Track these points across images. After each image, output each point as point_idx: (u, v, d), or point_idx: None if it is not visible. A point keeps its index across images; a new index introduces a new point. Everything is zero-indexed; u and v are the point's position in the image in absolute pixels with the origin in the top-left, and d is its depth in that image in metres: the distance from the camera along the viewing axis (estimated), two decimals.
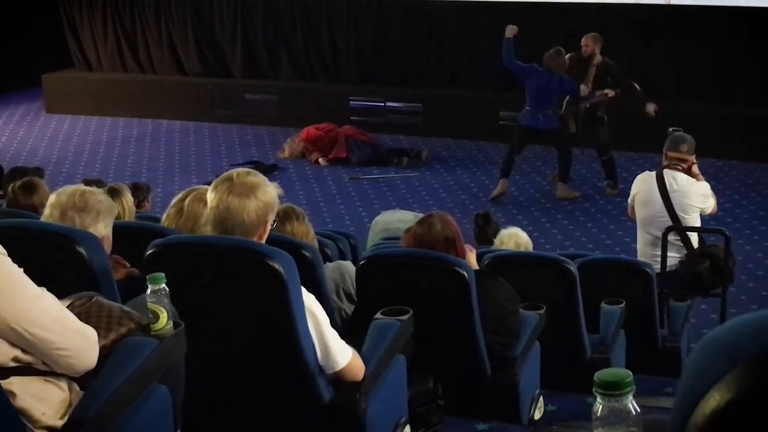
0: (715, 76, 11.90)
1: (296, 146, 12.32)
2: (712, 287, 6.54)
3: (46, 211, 3.59)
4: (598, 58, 10.10)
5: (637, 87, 10.18)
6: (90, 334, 2.60)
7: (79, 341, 2.56)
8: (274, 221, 3.30)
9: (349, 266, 4.41)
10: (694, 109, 11.37)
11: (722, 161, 11.15)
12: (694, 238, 6.60)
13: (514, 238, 6.28)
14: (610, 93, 10.14)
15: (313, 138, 12.22)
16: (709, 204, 6.55)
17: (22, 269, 2.50)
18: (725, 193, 10.09)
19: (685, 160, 6.52)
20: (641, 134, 11.31)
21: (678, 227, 6.43)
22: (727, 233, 6.53)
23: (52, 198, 3.62)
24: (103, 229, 3.57)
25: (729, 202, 9.91)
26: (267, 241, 3.20)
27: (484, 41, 13.02)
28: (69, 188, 3.67)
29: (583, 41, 10.24)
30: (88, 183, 4.20)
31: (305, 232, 4.38)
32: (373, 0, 13.55)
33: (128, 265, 3.76)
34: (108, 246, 3.63)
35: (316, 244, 4.48)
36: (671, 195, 6.42)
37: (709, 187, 6.64)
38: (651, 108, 10.13)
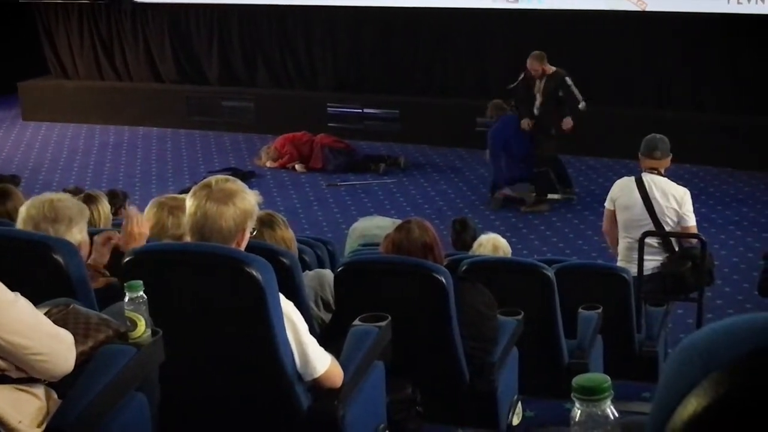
0: (690, 83, 11.98)
1: (272, 154, 12.32)
2: (694, 288, 6.57)
3: (19, 224, 3.57)
4: (548, 70, 10.14)
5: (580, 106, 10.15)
6: (65, 337, 2.59)
7: (54, 345, 2.54)
8: (254, 229, 3.29)
9: (328, 274, 4.40)
10: (669, 116, 11.44)
11: (697, 167, 11.23)
12: (674, 241, 6.62)
13: (492, 240, 6.30)
14: (568, 125, 10.18)
15: (287, 151, 12.22)
16: (688, 210, 6.50)
17: None
18: (700, 198, 10.15)
19: (658, 167, 6.53)
20: (617, 141, 11.38)
21: (656, 232, 6.45)
22: (704, 238, 6.57)
23: (22, 212, 3.59)
24: (78, 234, 3.56)
25: (704, 207, 9.97)
26: (246, 247, 3.20)
27: (460, 48, 13.07)
28: (37, 200, 3.63)
29: (529, 65, 10.18)
30: (68, 191, 4.18)
31: (291, 237, 4.39)
32: (349, 7, 13.56)
33: (108, 273, 3.74)
34: (85, 250, 3.61)
35: (296, 249, 4.48)
36: (652, 199, 6.44)
37: (688, 192, 6.61)
38: (568, 124, 10.22)
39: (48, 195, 3.71)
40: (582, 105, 10.06)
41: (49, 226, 3.48)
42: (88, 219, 3.75)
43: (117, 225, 5.55)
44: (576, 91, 10.05)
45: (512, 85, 10.49)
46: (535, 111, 10.27)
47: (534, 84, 10.21)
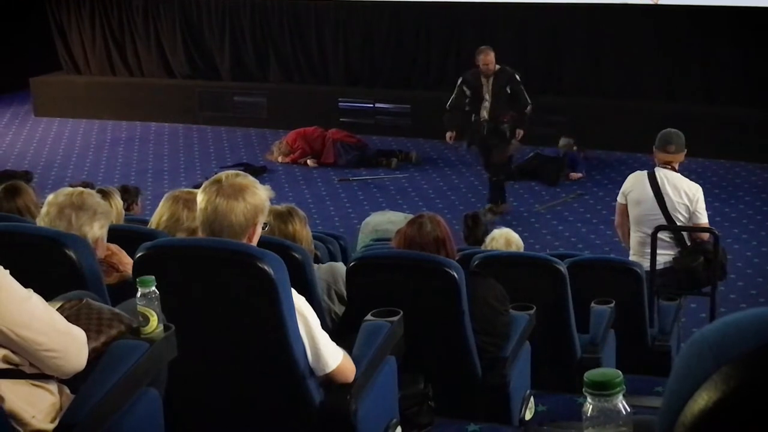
0: (702, 76, 11.94)
1: (284, 149, 12.34)
2: (707, 283, 6.55)
3: (44, 209, 3.62)
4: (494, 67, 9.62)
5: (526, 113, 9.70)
6: (78, 335, 2.60)
7: (67, 342, 2.55)
8: (266, 224, 3.29)
9: (341, 267, 4.40)
10: (681, 110, 11.40)
11: (710, 161, 11.19)
12: (686, 236, 6.60)
13: (505, 235, 6.30)
14: (519, 135, 9.78)
15: (298, 146, 12.24)
16: (700, 208, 6.47)
17: (8, 271, 2.49)
18: (713, 192, 10.12)
19: (672, 162, 6.51)
20: (629, 134, 11.36)
21: (668, 226, 6.43)
22: (717, 232, 6.55)
23: (50, 197, 3.67)
24: (98, 229, 3.58)
25: (717, 201, 9.95)
26: (258, 243, 3.20)
27: (471, 42, 13.04)
28: (67, 188, 3.72)
29: (483, 61, 9.57)
30: (76, 186, 4.20)
31: (306, 235, 4.38)
32: (360, 2, 13.55)
33: (122, 269, 3.75)
34: (102, 248, 3.63)
35: (312, 249, 4.48)
36: (664, 194, 6.42)
37: (700, 189, 6.58)
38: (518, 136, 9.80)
39: (80, 188, 3.79)
40: (529, 108, 9.61)
41: (73, 213, 3.53)
42: (111, 220, 3.79)
43: (130, 220, 5.59)
44: (525, 92, 9.57)
45: (453, 97, 9.85)
46: (485, 114, 9.66)
47: (482, 84, 9.63)
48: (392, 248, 4.42)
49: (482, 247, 6.27)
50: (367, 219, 7.56)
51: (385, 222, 7.13)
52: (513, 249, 6.18)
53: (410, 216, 4.65)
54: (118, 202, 5.41)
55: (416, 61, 13.45)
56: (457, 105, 9.81)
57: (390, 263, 4.10)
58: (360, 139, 12.36)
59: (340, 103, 13.52)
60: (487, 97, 9.62)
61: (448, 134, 10.00)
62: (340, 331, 3.79)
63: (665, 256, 6.45)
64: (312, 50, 14.03)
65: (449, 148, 12.43)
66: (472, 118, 9.72)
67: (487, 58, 9.53)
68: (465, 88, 9.71)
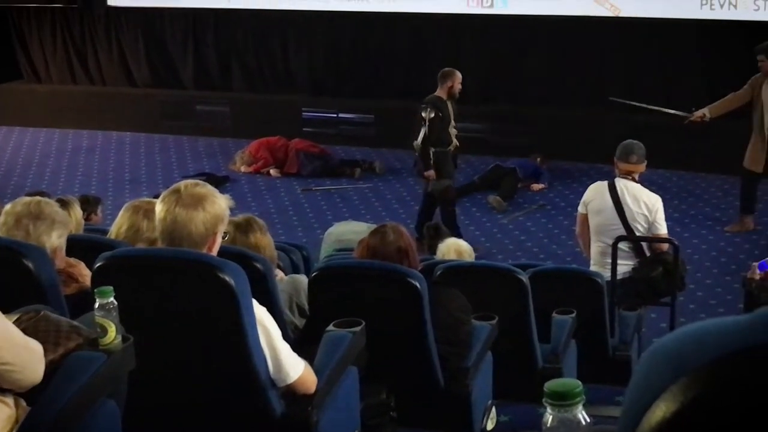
0: (661, 86, 12.03)
1: (246, 158, 12.29)
2: (666, 293, 6.59)
3: (1, 219, 3.58)
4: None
5: None
6: (35, 348, 2.57)
7: (24, 356, 2.52)
8: (226, 233, 3.27)
9: (303, 280, 4.39)
10: (641, 119, 11.47)
11: (669, 171, 11.28)
12: (645, 246, 6.64)
13: (453, 246, 6.29)
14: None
15: (261, 156, 12.20)
16: (660, 219, 6.52)
17: None
18: (673, 203, 10.20)
19: (633, 172, 6.56)
20: (591, 145, 11.43)
21: (629, 237, 6.48)
22: (676, 243, 6.60)
23: (7, 207, 3.64)
24: (56, 239, 3.55)
25: (677, 212, 10.02)
26: (218, 253, 3.18)
27: (435, 53, 13.08)
28: (25, 198, 3.69)
29: (459, 81, 9.10)
30: (33, 195, 4.15)
31: (267, 243, 4.36)
32: (324, 11, 13.54)
33: (81, 279, 3.72)
34: (60, 258, 3.60)
35: (275, 255, 4.46)
36: (623, 204, 6.47)
37: (660, 200, 6.64)
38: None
39: (38, 197, 3.75)
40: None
41: (31, 223, 3.49)
42: (69, 230, 3.75)
43: (89, 230, 5.54)
44: None
45: (431, 115, 8.99)
46: (455, 140, 9.20)
47: (449, 109, 9.12)
48: (355, 258, 4.41)
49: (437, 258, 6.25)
50: (330, 229, 7.52)
51: (349, 232, 7.10)
52: (466, 258, 6.18)
53: (373, 226, 4.64)
54: (77, 211, 5.36)
55: (380, 71, 13.46)
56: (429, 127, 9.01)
57: (353, 273, 4.09)
58: (323, 148, 12.34)
59: (303, 113, 13.49)
60: (453, 122, 9.14)
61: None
62: (302, 342, 3.77)
63: (625, 266, 6.50)
64: (276, 60, 14.00)
65: (413, 158, 12.10)
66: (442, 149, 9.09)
67: (459, 81, 9.08)
68: (430, 111, 8.99)
